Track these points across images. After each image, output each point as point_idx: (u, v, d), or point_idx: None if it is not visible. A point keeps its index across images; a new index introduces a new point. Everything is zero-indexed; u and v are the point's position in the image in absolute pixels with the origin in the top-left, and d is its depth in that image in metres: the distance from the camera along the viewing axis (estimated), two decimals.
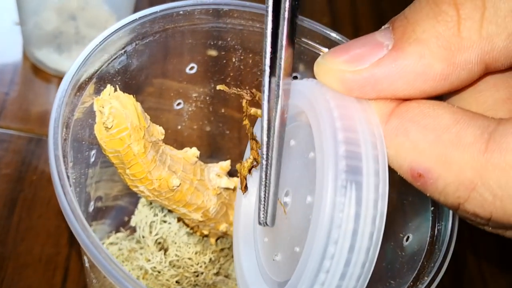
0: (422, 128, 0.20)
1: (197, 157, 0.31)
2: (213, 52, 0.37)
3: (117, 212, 0.38)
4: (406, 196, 0.28)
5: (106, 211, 0.37)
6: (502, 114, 0.22)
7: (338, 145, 0.20)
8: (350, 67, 0.21)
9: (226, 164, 0.34)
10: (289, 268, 0.24)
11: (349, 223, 0.20)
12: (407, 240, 0.27)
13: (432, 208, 0.25)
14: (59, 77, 0.49)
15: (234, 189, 0.34)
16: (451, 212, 0.25)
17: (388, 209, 0.26)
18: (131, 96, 0.27)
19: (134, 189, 0.29)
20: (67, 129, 0.24)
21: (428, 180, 0.20)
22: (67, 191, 0.21)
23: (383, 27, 0.22)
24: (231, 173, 0.34)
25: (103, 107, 0.26)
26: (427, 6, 0.20)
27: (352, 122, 0.21)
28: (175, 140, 0.38)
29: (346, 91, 0.21)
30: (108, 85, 0.26)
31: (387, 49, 0.20)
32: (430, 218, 0.25)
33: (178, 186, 0.29)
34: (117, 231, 0.38)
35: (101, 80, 0.28)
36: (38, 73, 0.49)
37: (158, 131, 0.28)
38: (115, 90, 0.27)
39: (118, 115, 0.25)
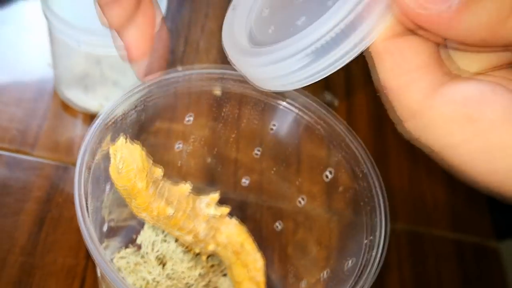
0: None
1: (190, 190, 0.39)
2: (217, 92, 0.45)
3: (127, 231, 0.46)
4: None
5: (118, 230, 0.45)
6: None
7: None
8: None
9: (215, 196, 0.41)
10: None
11: None
12: (349, 264, 0.34)
13: (366, 241, 0.33)
14: (84, 113, 0.58)
15: (221, 216, 0.42)
16: (381, 244, 0.32)
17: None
18: (138, 145, 0.35)
19: (139, 215, 0.37)
20: (89, 170, 0.32)
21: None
22: (86, 221, 0.29)
23: None
24: (221, 201, 0.42)
25: (116, 153, 0.34)
26: None
27: None
28: (177, 172, 0.46)
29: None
30: (121, 135, 0.34)
31: None
32: (364, 247, 0.32)
33: (173, 214, 0.37)
34: (127, 247, 0.46)
35: (117, 130, 0.35)
36: (66, 109, 0.57)
37: (159, 172, 0.36)
38: (126, 138, 0.35)
39: (127, 160, 0.33)
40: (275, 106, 0.40)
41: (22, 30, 0.62)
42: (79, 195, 0.30)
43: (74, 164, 0.54)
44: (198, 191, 0.39)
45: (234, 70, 0.29)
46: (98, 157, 0.35)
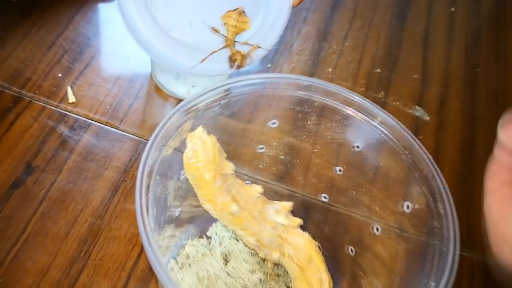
0: None
1: (260, 193, 0.38)
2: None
3: (203, 221, 0.45)
4: None
5: (194, 217, 0.44)
6: None
7: None
8: None
9: (289, 205, 0.40)
10: None
11: None
12: None
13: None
14: (173, 98, 0.59)
15: (291, 226, 0.41)
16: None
17: None
18: (213, 137, 0.35)
19: (203, 206, 0.37)
20: (159, 151, 0.33)
21: None
22: (144, 214, 0.30)
23: None
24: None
25: (190, 142, 0.34)
26: None
27: None
28: (254, 173, 0.45)
29: None
30: (200, 126, 0.35)
31: None
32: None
33: (237, 213, 0.36)
34: (200, 236, 0.45)
35: (197, 120, 0.36)
36: (158, 92, 0.59)
37: (230, 167, 0.36)
38: (203, 130, 0.35)
39: (197, 150, 0.33)
40: (363, 125, 0.38)
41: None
42: (142, 174, 0.31)
43: None
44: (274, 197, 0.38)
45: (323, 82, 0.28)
46: (174, 142, 0.35)
